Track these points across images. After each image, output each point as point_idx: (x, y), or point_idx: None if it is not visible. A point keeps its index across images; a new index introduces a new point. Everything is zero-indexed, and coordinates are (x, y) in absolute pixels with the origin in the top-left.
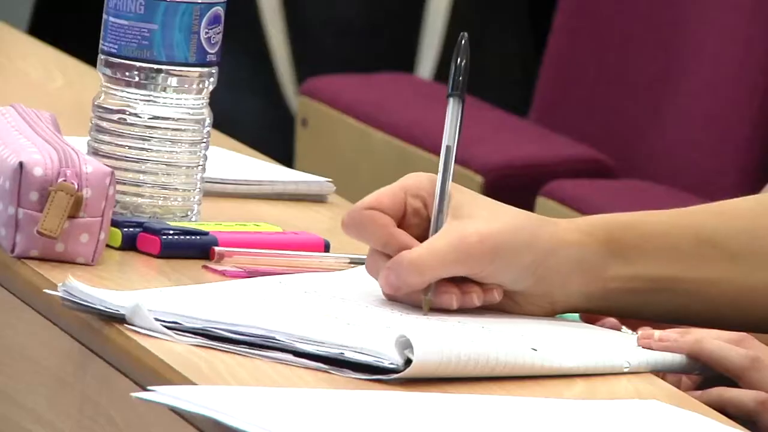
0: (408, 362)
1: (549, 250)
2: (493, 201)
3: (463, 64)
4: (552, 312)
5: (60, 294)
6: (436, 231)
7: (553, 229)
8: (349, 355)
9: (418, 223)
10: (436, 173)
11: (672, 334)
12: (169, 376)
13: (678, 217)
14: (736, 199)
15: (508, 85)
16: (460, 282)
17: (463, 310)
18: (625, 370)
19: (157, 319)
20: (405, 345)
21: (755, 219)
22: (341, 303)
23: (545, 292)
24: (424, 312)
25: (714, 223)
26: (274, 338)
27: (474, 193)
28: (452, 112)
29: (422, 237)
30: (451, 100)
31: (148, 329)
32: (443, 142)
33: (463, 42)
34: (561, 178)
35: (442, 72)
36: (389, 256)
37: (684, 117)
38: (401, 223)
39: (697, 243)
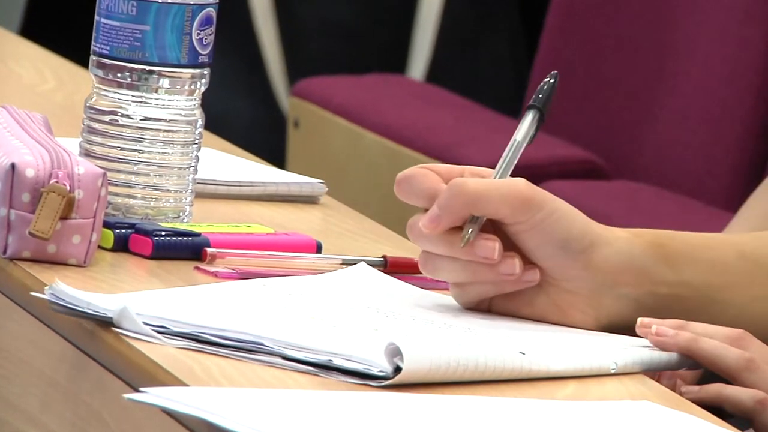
0: (397, 369)
1: (601, 237)
2: None
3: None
4: (596, 322)
5: (47, 297)
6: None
7: (602, 226)
8: (338, 362)
9: None
10: None
11: (669, 329)
12: (161, 377)
13: (719, 235)
14: None
15: (501, 86)
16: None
17: (448, 313)
18: (612, 371)
19: (145, 323)
20: (394, 353)
21: None
22: (326, 305)
23: (594, 291)
24: (462, 245)
25: (755, 244)
26: (261, 344)
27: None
28: (528, 122)
29: None
30: (529, 111)
31: (136, 332)
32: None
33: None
34: (553, 179)
35: (433, 74)
36: None
37: (676, 118)
38: None
39: (741, 258)
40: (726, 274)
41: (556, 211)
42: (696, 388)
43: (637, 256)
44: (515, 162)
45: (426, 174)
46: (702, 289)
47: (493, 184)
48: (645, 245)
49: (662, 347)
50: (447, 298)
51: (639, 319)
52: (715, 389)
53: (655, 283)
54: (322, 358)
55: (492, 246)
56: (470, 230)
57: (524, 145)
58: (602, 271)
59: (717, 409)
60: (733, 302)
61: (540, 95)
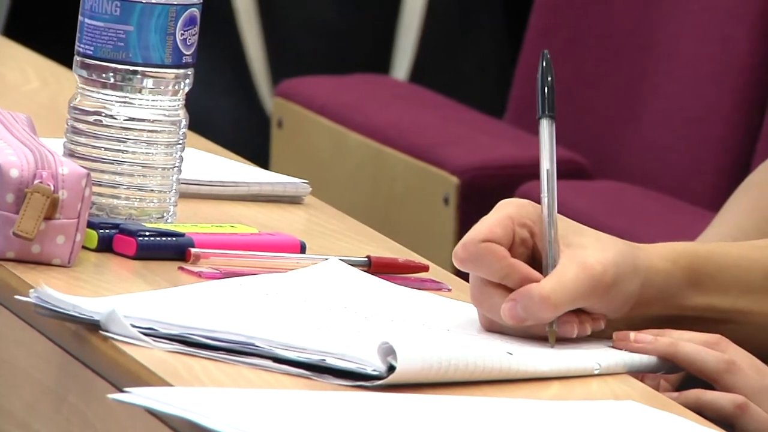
0: (390, 368)
1: (645, 278)
2: (587, 227)
3: (550, 82)
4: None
5: (32, 300)
6: (550, 260)
7: (645, 255)
8: (331, 361)
9: (524, 252)
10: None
11: (647, 336)
12: (146, 378)
13: (749, 250)
14: None
15: (485, 86)
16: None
17: (426, 313)
18: (596, 372)
19: (133, 326)
20: (387, 352)
21: None
22: (305, 307)
23: (630, 317)
24: (551, 345)
25: None
26: (253, 344)
27: (567, 219)
28: (545, 133)
29: (530, 266)
30: (543, 121)
31: (123, 336)
32: (542, 167)
33: (546, 62)
34: (536, 179)
35: (417, 74)
36: (505, 288)
37: (660, 118)
38: (510, 253)
39: (766, 277)
40: (749, 295)
41: (620, 282)
42: (675, 394)
43: (670, 286)
44: (556, 191)
45: (492, 251)
46: (724, 311)
47: (574, 290)
48: (679, 273)
49: (643, 353)
50: (423, 296)
51: (614, 333)
52: (694, 395)
53: (683, 308)
54: (314, 358)
55: (572, 329)
56: (554, 327)
57: (555, 170)
58: (640, 303)
59: None
60: (750, 321)
61: (547, 98)
